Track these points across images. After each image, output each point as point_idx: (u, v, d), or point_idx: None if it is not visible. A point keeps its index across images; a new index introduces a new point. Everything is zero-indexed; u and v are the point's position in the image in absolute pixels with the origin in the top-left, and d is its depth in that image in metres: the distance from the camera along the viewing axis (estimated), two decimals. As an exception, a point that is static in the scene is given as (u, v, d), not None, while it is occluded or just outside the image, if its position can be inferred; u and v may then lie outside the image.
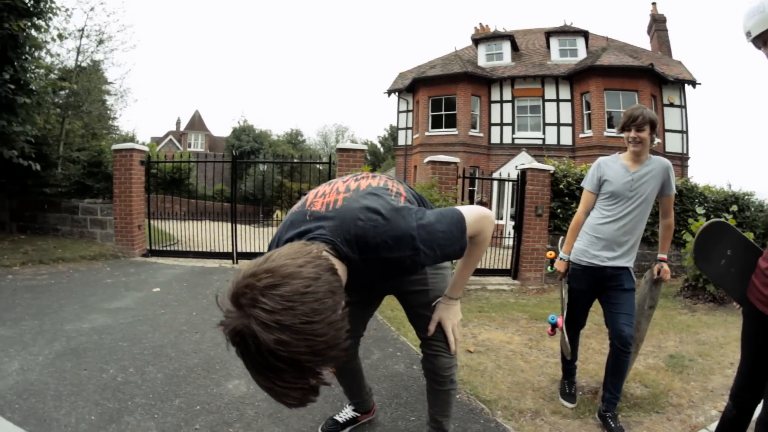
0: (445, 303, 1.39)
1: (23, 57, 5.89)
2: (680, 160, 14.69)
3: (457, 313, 1.42)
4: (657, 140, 14.41)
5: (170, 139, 34.38)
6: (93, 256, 5.87)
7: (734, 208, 6.94)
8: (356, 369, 1.87)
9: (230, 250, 6.60)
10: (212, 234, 7.40)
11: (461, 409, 2.19)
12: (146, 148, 6.68)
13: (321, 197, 1.17)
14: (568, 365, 2.45)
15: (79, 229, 6.72)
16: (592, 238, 2.21)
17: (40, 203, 6.79)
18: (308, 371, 0.78)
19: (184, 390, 2.29)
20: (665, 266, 2.25)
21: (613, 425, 2.04)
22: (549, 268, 2.49)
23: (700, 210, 5.91)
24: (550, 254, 2.54)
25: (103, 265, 5.61)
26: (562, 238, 2.45)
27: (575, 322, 2.40)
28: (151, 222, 6.84)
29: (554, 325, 2.42)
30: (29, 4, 5.75)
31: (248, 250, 6.80)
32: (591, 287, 2.25)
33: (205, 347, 2.92)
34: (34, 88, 6.00)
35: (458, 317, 1.43)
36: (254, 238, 7.50)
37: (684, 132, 15.09)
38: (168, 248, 7.03)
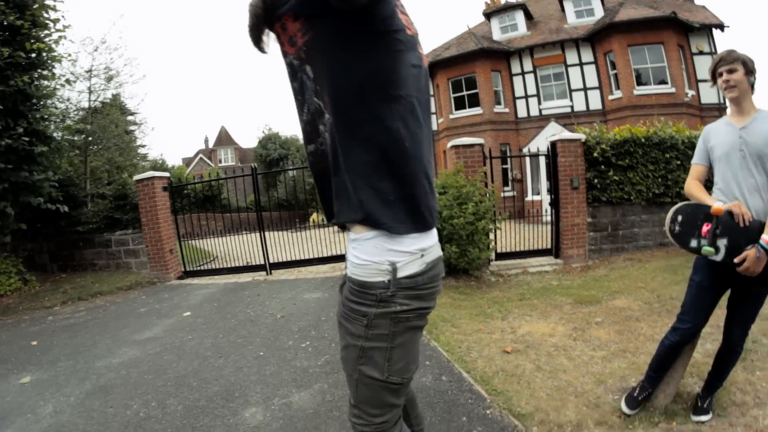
0: None
1: (35, 108, 6.02)
2: (717, 111, 13.43)
3: None
4: (691, 92, 13.29)
5: (200, 158, 35.57)
6: (129, 285, 6.03)
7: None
8: (412, 395, 1.39)
9: (263, 262, 6.61)
10: (248, 246, 7.47)
11: (490, 428, 1.96)
12: (167, 174, 6.79)
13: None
14: (656, 373, 2.05)
15: (114, 261, 6.94)
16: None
17: (75, 241, 7.06)
18: None
19: (201, 422, 2.24)
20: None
21: (699, 404, 1.99)
22: (706, 246, 1.79)
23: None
24: (717, 209, 1.78)
25: (139, 293, 5.74)
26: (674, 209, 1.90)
27: (694, 313, 1.88)
28: (190, 241, 6.95)
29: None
30: (32, 57, 5.84)
31: (282, 259, 6.85)
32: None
33: (227, 372, 2.86)
34: (51, 135, 6.13)
35: None
36: (289, 244, 7.52)
37: (718, 81, 13.79)
38: (203, 267, 7.15)
